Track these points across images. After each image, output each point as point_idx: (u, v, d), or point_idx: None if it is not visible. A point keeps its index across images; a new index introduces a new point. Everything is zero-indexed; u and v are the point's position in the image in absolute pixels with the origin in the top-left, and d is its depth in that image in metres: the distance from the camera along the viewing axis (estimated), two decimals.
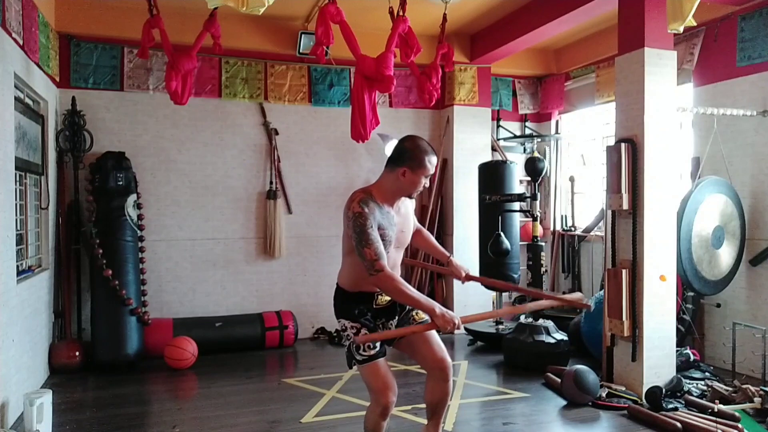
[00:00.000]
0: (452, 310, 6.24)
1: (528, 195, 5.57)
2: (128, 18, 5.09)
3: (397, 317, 2.78)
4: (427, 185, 2.68)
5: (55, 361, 4.73)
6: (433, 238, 3.11)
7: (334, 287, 2.75)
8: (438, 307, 2.44)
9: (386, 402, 2.57)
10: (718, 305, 4.79)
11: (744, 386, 3.89)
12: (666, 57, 4.13)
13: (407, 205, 2.78)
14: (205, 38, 4.33)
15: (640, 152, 4.08)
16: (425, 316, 2.72)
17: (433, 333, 2.74)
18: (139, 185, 5.38)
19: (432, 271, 6.46)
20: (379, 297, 2.70)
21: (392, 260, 2.67)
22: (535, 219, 5.43)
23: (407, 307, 2.76)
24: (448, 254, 3.06)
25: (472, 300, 6.26)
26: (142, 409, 4.08)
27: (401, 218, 2.69)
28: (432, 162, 2.61)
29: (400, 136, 6.26)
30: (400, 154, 2.61)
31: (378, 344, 2.59)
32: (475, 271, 5.80)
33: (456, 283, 6.29)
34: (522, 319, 5.25)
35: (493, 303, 6.05)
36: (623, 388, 4.12)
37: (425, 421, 3.63)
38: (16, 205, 4.02)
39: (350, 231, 2.50)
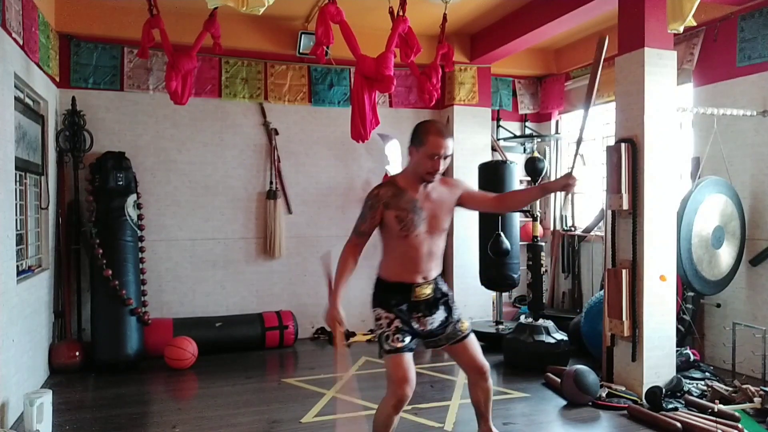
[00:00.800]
0: None
1: None
2: (128, 18, 5.08)
3: (435, 313, 2.80)
4: (440, 168, 2.65)
5: (55, 361, 4.73)
6: (518, 190, 3.02)
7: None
8: (333, 305, 2.65)
9: (402, 394, 2.62)
10: (718, 305, 4.79)
11: (744, 386, 3.89)
12: (666, 57, 4.12)
13: (441, 192, 2.76)
14: (205, 38, 4.33)
15: (640, 152, 4.07)
16: (468, 325, 2.88)
17: (473, 341, 2.86)
18: (139, 185, 5.38)
19: None
20: (417, 289, 2.73)
21: (426, 246, 2.70)
22: (535, 219, 5.43)
23: (451, 309, 2.85)
24: (536, 186, 2.97)
25: (472, 300, 6.25)
26: (142, 409, 4.08)
27: (432, 203, 2.71)
28: (436, 142, 2.60)
29: (400, 136, 6.34)
30: (411, 135, 2.72)
31: (407, 339, 2.68)
32: (474, 270, 5.85)
33: (456, 283, 6.27)
34: (522, 319, 5.25)
35: (493, 303, 6.04)
36: (623, 388, 4.12)
37: (425, 422, 3.68)
38: (16, 205, 4.02)
39: None
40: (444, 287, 2.87)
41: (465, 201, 2.85)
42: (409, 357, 2.66)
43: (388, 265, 2.76)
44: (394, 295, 2.73)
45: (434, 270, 2.79)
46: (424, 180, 2.68)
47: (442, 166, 2.65)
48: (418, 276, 2.72)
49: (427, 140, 2.61)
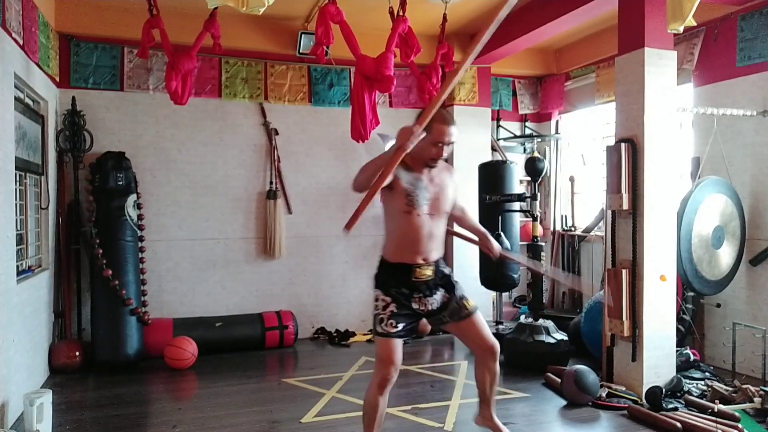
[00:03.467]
0: None
1: (528, 195, 5.57)
2: (128, 18, 5.08)
3: (435, 294, 2.85)
4: (441, 155, 2.75)
5: (55, 361, 4.73)
6: (472, 220, 3.18)
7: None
8: (402, 138, 2.58)
9: (387, 373, 2.72)
10: (718, 305, 4.79)
11: (744, 386, 3.89)
12: (666, 57, 4.12)
13: (443, 177, 2.85)
14: (205, 38, 4.34)
15: (640, 152, 4.07)
16: (474, 303, 2.90)
17: (480, 319, 2.89)
18: (139, 185, 5.38)
19: None
20: (418, 270, 2.79)
21: (427, 227, 2.77)
22: (535, 219, 5.43)
23: (454, 289, 2.89)
24: (483, 231, 3.13)
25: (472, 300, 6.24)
26: (142, 409, 4.08)
27: (435, 186, 2.80)
28: (440, 130, 2.69)
29: None
30: (416, 119, 2.76)
31: (400, 325, 2.76)
32: (474, 270, 5.84)
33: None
34: (522, 319, 5.25)
35: (493, 303, 6.05)
36: (623, 388, 4.12)
37: (425, 422, 3.67)
38: (16, 205, 4.02)
39: None
40: (446, 270, 2.93)
41: None
42: (398, 342, 2.76)
43: (390, 246, 2.84)
44: (396, 276, 2.80)
45: (435, 252, 2.85)
46: (427, 165, 2.78)
47: (446, 152, 2.76)
48: (419, 257, 2.79)
49: (432, 127, 2.67)
